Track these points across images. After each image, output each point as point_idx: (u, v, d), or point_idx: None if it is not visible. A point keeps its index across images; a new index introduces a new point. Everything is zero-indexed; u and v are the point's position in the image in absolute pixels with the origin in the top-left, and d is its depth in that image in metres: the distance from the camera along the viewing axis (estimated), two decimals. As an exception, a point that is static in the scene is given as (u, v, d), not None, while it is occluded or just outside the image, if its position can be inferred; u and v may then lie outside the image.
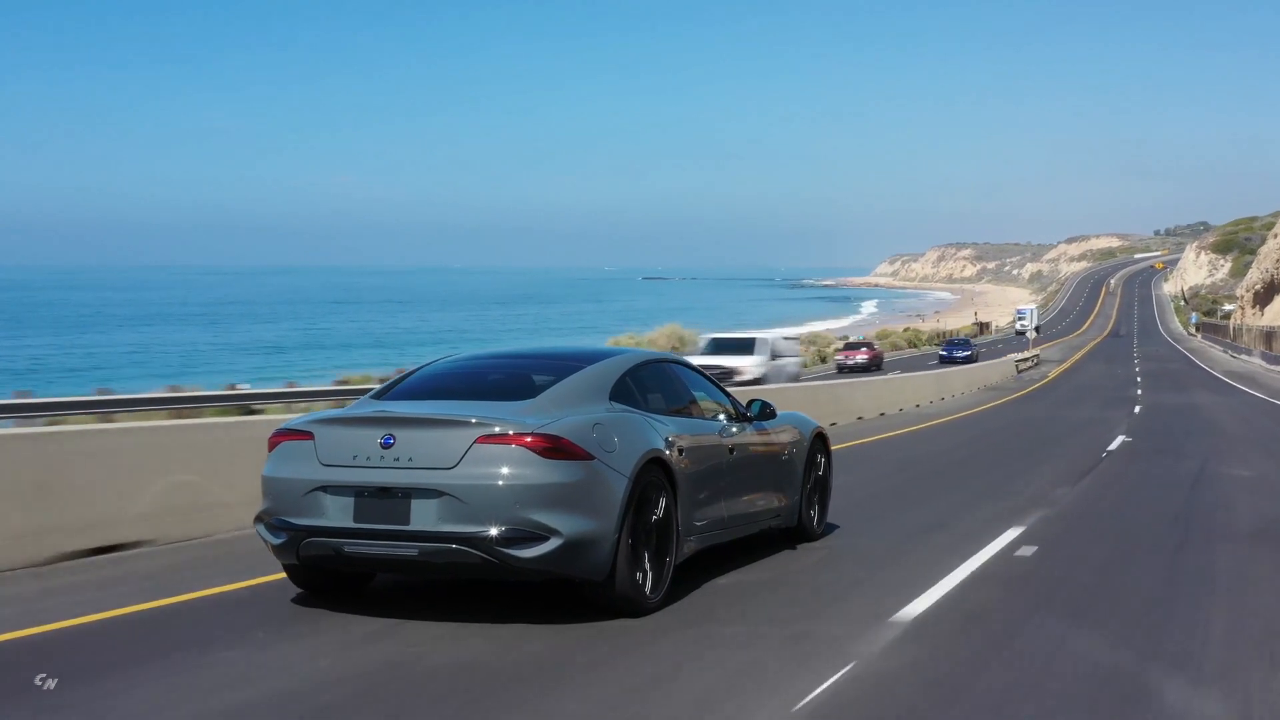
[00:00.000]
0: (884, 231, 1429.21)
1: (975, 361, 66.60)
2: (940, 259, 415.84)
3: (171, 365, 79.60)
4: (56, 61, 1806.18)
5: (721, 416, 9.23)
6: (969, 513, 12.61)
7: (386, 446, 7.16)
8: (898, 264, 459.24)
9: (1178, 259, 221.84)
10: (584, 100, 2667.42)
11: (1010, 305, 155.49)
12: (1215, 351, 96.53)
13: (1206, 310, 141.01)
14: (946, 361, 69.83)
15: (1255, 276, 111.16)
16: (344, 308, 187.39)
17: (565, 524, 7.03)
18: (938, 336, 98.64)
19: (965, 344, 79.09)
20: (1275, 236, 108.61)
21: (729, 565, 9.29)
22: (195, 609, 7.81)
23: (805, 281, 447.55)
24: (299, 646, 6.84)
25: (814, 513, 10.65)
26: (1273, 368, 71.28)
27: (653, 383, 8.63)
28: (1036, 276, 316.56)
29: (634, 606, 7.50)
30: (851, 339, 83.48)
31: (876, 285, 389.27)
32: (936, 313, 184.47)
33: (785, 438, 10.11)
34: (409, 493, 7.05)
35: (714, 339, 38.62)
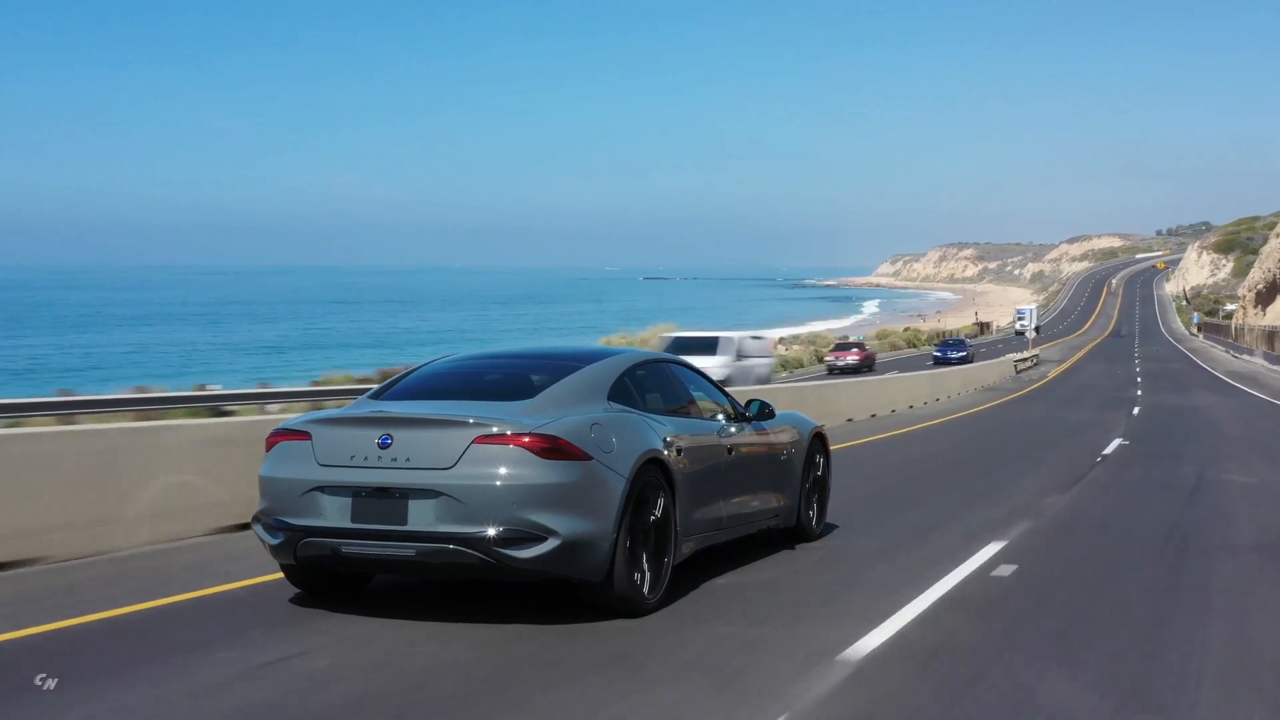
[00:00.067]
0: (885, 231, 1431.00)
1: (971, 362, 65.22)
2: (941, 259, 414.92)
3: (171, 365, 79.40)
4: (56, 61, 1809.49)
5: (720, 416, 9.22)
6: (948, 525, 11.71)
7: (384, 446, 7.15)
8: (899, 264, 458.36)
9: (1179, 259, 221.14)
10: (584, 100, 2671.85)
11: (1012, 305, 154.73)
12: (1217, 352, 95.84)
13: (1208, 310, 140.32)
14: (941, 363, 67.54)
15: (1257, 276, 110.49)
16: (344, 308, 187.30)
17: (563, 524, 7.01)
18: (937, 336, 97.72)
19: (960, 344, 76.93)
20: (1277, 236, 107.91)
21: (727, 565, 9.25)
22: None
23: (807, 281, 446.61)
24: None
25: (813, 513, 10.64)
26: (1274, 368, 70.61)
27: (651, 383, 8.62)
28: (1038, 276, 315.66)
29: (632, 607, 7.48)
30: (841, 339, 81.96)
31: (878, 285, 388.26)
32: (938, 313, 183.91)
33: (784, 438, 10.09)
34: (406, 493, 7.04)
35: (675, 338, 36.38)
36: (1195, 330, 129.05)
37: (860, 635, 7.00)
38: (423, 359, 9.89)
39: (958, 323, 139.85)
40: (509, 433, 7.05)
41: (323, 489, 7.26)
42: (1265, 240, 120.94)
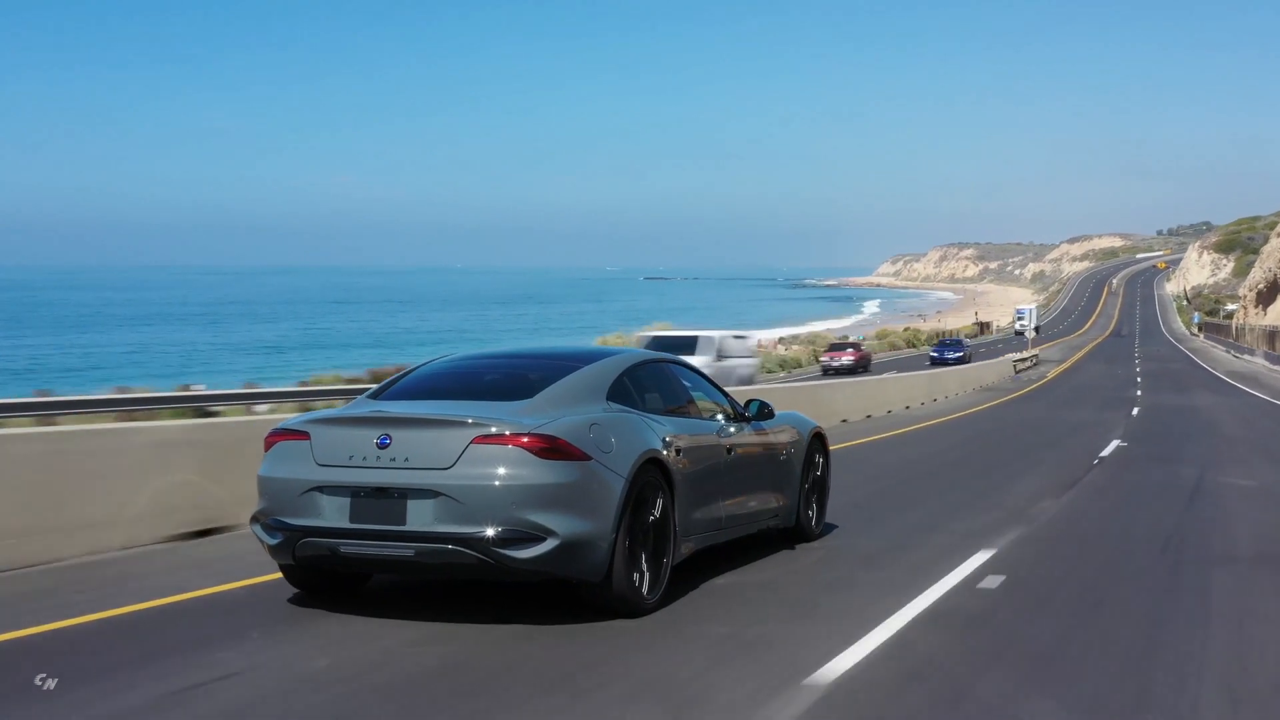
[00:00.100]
0: (886, 231, 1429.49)
1: (968, 362, 64.51)
2: (942, 259, 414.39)
3: (171, 365, 79.19)
4: (56, 61, 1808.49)
5: (719, 416, 9.20)
6: (936, 531, 11.23)
7: (383, 446, 7.13)
8: (900, 264, 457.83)
9: (1180, 259, 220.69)
10: (584, 100, 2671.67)
11: (1012, 305, 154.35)
12: (1218, 351, 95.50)
13: (1209, 310, 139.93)
14: (937, 363, 66.57)
15: (1258, 276, 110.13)
16: (344, 308, 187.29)
17: (562, 524, 7.00)
18: (937, 336, 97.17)
19: (957, 344, 75.98)
20: (1278, 236, 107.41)
21: (727, 566, 9.22)
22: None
23: (807, 281, 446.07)
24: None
25: (812, 513, 10.62)
26: (1275, 368, 70.28)
27: (650, 383, 8.60)
28: (1039, 276, 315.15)
29: (631, 607, 7.47)
30: (837, 339, 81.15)
31: (879, 285, 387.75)
32: (938, 312, 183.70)
33: (783, 438, 10.07)
34: (405, 493, 7.03)
35: (655, 337, 34.94)
36: (1196, 330, 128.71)
37: (836, 653, 6.59)
38: (422, 359, 9.83)
39: (958, 323, 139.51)
40: (508, 433, 7.04)
41: (321, 489, 7.25)
42: (1266, 240, 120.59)
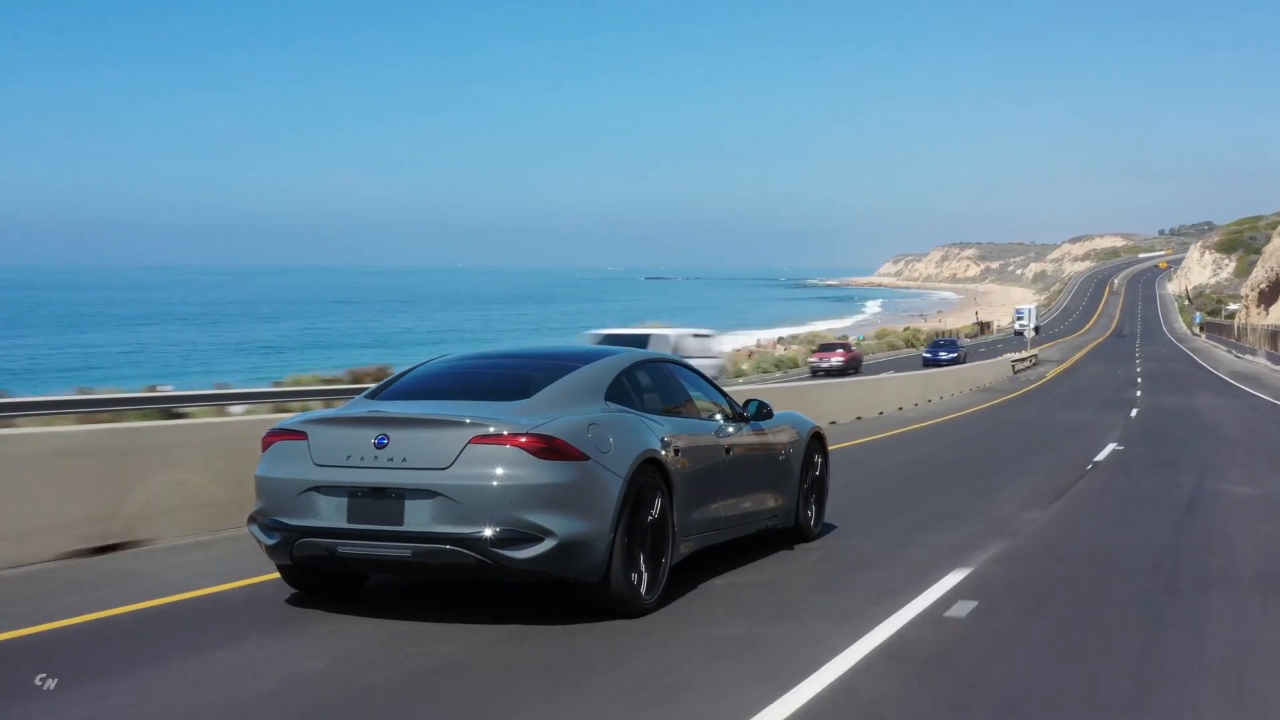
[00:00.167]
0: (887, 231, 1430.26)
1: (963, 363, 62.82)
2: (944, 259, 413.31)
3: (171, 365, 78.91)
4: (56, 61, 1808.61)
5: (718, 416, 9.18)
6: (910, 547, 10.38)
7: (380, 447, 7.11)
8: (901, 264, 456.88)
9: (1182, 258, 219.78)
10: (584, 100, 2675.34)
11: (1014, 305, 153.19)
12: (1219, 351, 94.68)
13: (1211, 310, 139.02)
14: (931, 364, 64.39)
15: (1260, 275, 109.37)
16: (344, 308, 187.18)
17: (560, 525, 6.97)
18: (937, 336, 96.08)
19: (952, 344, 74.04)
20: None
21: (726, 566, 9.19)
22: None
23: (809, 281, 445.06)
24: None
25: (811, 513, 10.59)
26: (1277, 368, 69.66)
27: (648, 382, 8.57)
28: (1040, 276, 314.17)
29: (629, 608, 7.44)
30: (839, 339, 79.89)
31: (880, 285, 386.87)
32: (939, 312, 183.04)
33: (782, 438, 10.04)
34: (403, 493, 7.00)
35: (606, 335, 32.18)
36: (1197, 330, 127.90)
37: (772, 698, 5.77)
38: (420, 359, 9.74)
39: (958, 322, 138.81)
40: (505, 433, 7.02)
41: (319, 489, 7.22)
42: (1268, 239, 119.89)
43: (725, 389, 10.06)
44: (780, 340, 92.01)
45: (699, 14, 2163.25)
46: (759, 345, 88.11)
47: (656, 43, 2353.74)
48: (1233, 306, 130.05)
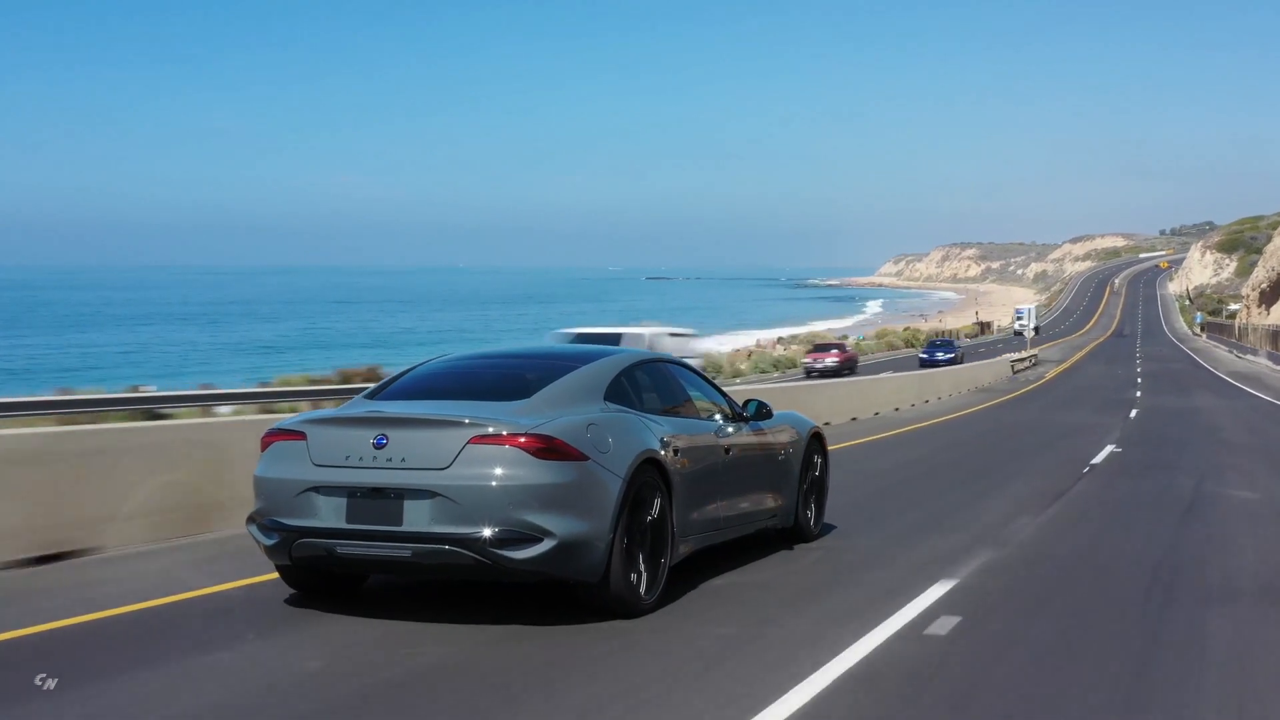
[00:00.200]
0: (887, 232, 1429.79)
1: (960, 363, 61.87)
2: (944, 259, 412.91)
3: (171, 364, 78.81)
4: (56, 61, 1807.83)
5: (718, 416, 9.16)
6: (895, 556, 9.87)
7: (379, 447, 7.09)
8: (902, 264, 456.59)
9: (1183, 258, 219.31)
10: (584, 100, 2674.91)
11: (1014, 305, 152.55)
12: (1220, 351, 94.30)
13: (1212, 310, 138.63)
14: (928, 364, 63.22)
15: (1261, 275, 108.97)
16: (345, 307, 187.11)
17: (559, 525, 6.95)
18: (936, 336, 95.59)
19: (948, 345, 72.91)
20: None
21: (725, 566, 9.16)
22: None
23: (810, 281, 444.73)
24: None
25: (810, 513, 10.56)
26: (1278, 368, 68.58)
27: (648, 382, 8.54)
28: (1041, 276, 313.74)
29: (628, 608, 7.43)
30: (825, 340, 78.85)
31: (881, 285, 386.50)
32: (939, 312, 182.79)
33: (782, 438, 10.02)
34: (402, 493, 6.99)
35: (579, 334, 30.09)
36: (1198, 330, 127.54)
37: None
38: (420, 359, 9.66)
39: (959, 322, 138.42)
40: (505, 433, 7.00)
41: (318, 489, 7.20)
42: (1269, 239, 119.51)
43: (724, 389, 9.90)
44: (780, 340, 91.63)
45: (699, 14, 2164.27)
46: (758, 345, 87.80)
47: (656, 43, 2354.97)
48: (1234, 306, 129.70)
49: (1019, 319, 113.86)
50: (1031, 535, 11.24)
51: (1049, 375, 62.46)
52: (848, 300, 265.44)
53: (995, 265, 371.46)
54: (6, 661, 6.39)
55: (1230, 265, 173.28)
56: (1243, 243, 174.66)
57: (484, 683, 6.05)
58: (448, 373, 8.44)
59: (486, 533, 6.84)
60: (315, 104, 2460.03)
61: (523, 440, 6.96)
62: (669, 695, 5.85)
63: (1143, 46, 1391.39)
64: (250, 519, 7.58)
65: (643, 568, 7.55)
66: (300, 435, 7.40)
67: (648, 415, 8.05)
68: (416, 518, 6.94)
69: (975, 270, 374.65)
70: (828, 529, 10.99)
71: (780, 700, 5.73)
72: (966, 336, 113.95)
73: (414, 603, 7.92)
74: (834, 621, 7.41)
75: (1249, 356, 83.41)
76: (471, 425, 7.01)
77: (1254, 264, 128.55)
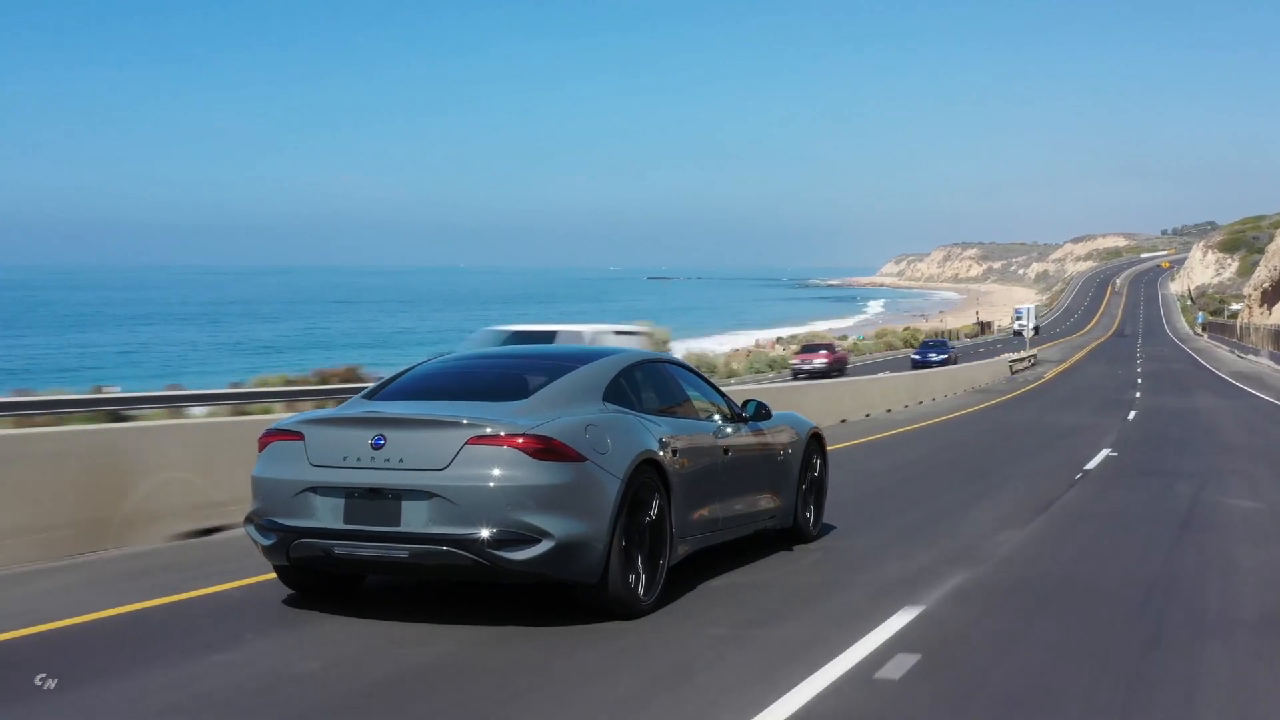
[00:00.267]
0: (888, 232, 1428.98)
1: (954, 364, 60.61)
2: (946, 259, 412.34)
3: (170, 364, 78.35)
4: (56, 61, 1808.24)
5: (716, 417, 9.12)
6: (858, 576, 8.93)
7: (377, 447, 7.06)
8: (903, 264, 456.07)
9: (1184, 258, 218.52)
10: (584, 100, 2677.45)
11: (1015, 305, 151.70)
12: (1222, 351, 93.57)
13: (1213, 310, 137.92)
14: (920, 365, 62.33)
15: (1263, 275, 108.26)
16: (344, 307, 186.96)
17: (557, 526, 6.93)
18: (937, 336, 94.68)
19: (942, 345, 71.88)
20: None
21: (724, 566, 9.13)
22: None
23: (811, 281, 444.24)
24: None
25: (809, 514, 10.52)
26: None
27: (647, 383, 8.50)
28: (1042, 276, 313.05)
29: (627, 609, 7.40)
30: (824, 339, 77.57)
31: (882, 285, 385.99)
32: (940, 312, 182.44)
33: (781, 438, 10.00)
34: (399, 494, 6.96)
35: (515, 331, 27.49)
36: (1200, 330, 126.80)
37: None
38: (419, 359, 9.65)
39: (959, 322, 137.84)
40: (503, 433, 6.98)
41: (315, 490, 7.18)
42: (1271, 239, 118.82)
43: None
44: (779, 340, 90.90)
45: (699, 14, 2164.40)
46: (758, 345, 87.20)
47: (656, 43, 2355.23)
48: (1235, 306, 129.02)
49: (1018, 319, 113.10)
50: (1012, 552, 10.26)
51: (1048, 375, 61.77)
52: (849, 300, 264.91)
53: (997, 265, 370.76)
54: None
55: (1232, 265, 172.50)
56: (1244, 242, 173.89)
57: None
58: (446, 373, 8.41)
59: (484, 534, 6.81)
60: (315, 104, 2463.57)
61: (521, 441, 6.93)
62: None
63: (1143, 46, 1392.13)
64: (248, 519, 7.56)
65: (641, 569, 7.52)
66: (298, 435, 7.37)
67: (646, 416, 8.03)
68: (414, 518, 6.91)
69: (977, 270, 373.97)
70: (827, 529, 10.94)
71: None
72: (966, 336, 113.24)
73: (412, 603, 7.90)
74: (772, 665, 6.42)
75: (1250, 356, 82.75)
76: (470, 426, 6.98)
77: (1256, 264, 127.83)
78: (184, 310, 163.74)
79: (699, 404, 9.08)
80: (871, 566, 9.55)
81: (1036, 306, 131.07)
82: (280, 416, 10.12)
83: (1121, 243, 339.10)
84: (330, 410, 8.25)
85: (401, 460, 6.98)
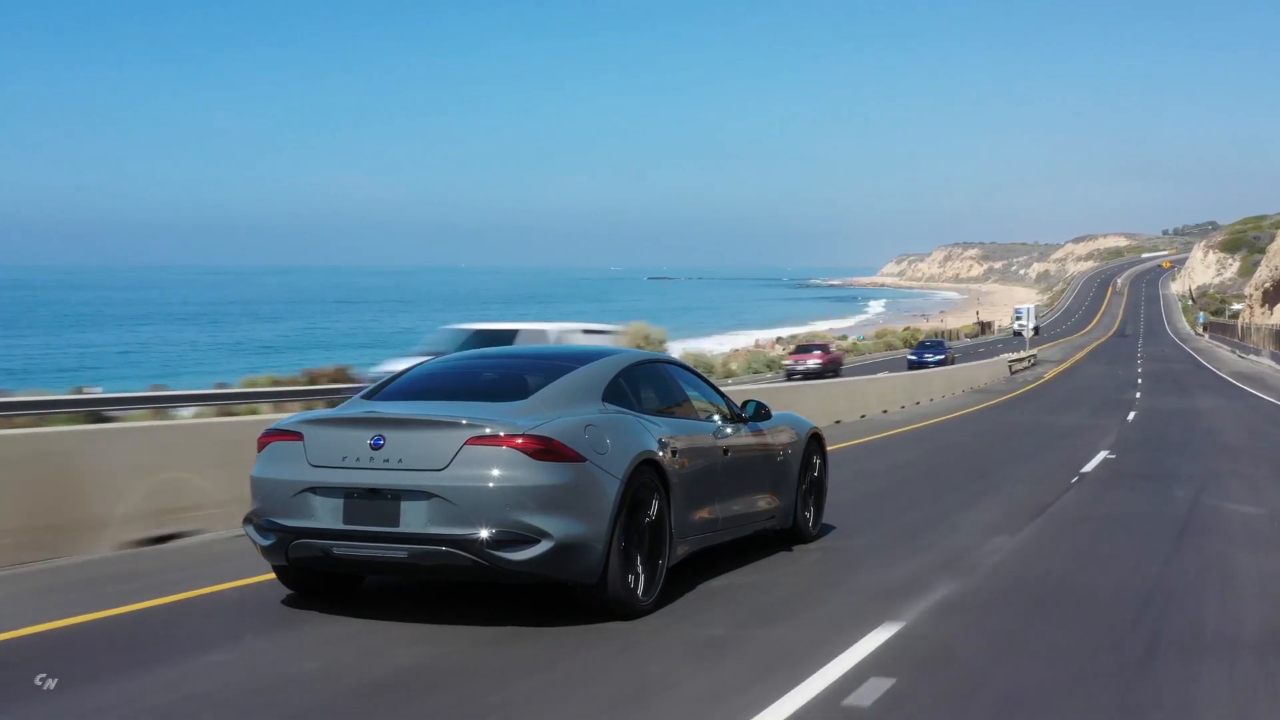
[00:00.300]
0: (889, 232, 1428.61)
1: (951, 365, 59.62)
2: (947, 259, 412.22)
3: (170, 364, 78.40)
4: (56, 61, 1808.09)
5: (716, 417, 9.12)
6: (837, 588, 8.48)
7: (376, 447, 7.06)
8: (904, 264, 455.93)
9: (1185, 258, 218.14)
10: (584, 100, 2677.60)
11: (1016, 305, 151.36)
12: (1223, 351, 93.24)
13: (1214, 310, 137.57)
14: (916, 366, 61.77)
15: (1264, 275, 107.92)
16: (345, 307, 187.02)
17: (556, 526, 6.92)
18: (937, 336, 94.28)
19: (939, 346, 71.65)
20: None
21: (724, 567, 9.13)
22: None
23: (812, 281, 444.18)
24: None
25: (809, 514, 10.52)
26: (1280, 368, 67.33)
27: (646, 383, 8.50)
28: (1043, 276, 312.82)
29: (626, 609, 7.40)
30: (808, 341, 76.76)
31: (883, 285, 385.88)
32: (941, 312, 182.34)
33: (781, 438, 9.99)
34: (399, 494, 6.95)
35: (477, 330, 26.48)
36: (1201, 330, 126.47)
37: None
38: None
39: (960, 322, 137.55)
40: (502, 434, 6.97)
41: (314, 490, 7.17)
42: (1272, 239, 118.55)
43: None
44: (779, 340, 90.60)
45: (699, 14, 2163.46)
46: (757, 345, 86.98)
47: (656, 43, 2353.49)
48: (1236, 306, 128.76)
49: (1018, 319, 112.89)
50: (1002, 561, 9.82)
51: (1048, 375, 61.46)
52: (850, 300, 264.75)
53: (997, 265, 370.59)
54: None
55: (1233, 265, 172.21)
56: (1246, 242, 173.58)
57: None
58: (445, 373, 8.40)
59: (484, 534, 6.80)
60: (315, 104, 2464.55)
61: (520, 441, 6.92)
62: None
63: (1143, 46, 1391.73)
64: (247, 519, 7.55)
65: (640, 569, 7.51)
66: (297, 435, 7.36)
67: (646, 416, 8.02)
68: (413, 519, 6.90)
69: (977, 270, 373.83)
70: (826, 529, 10.95)
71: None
72: (967, 336, 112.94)
73: (411, 604, 7.89)
74: (734, 689, 5.98)
75: (1252, 356, 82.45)
76: (469, 426, 6.98)
77: (1257, 264, 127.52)
78: (184, 310, 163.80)
79: (698, 404, 9.08)
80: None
81: (1037, 306, 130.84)
82: (272, 417, 9.84)
83: (1122, 243, 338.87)
84: (329, 410, 8.25)
85: (401, 460, 6.97)
